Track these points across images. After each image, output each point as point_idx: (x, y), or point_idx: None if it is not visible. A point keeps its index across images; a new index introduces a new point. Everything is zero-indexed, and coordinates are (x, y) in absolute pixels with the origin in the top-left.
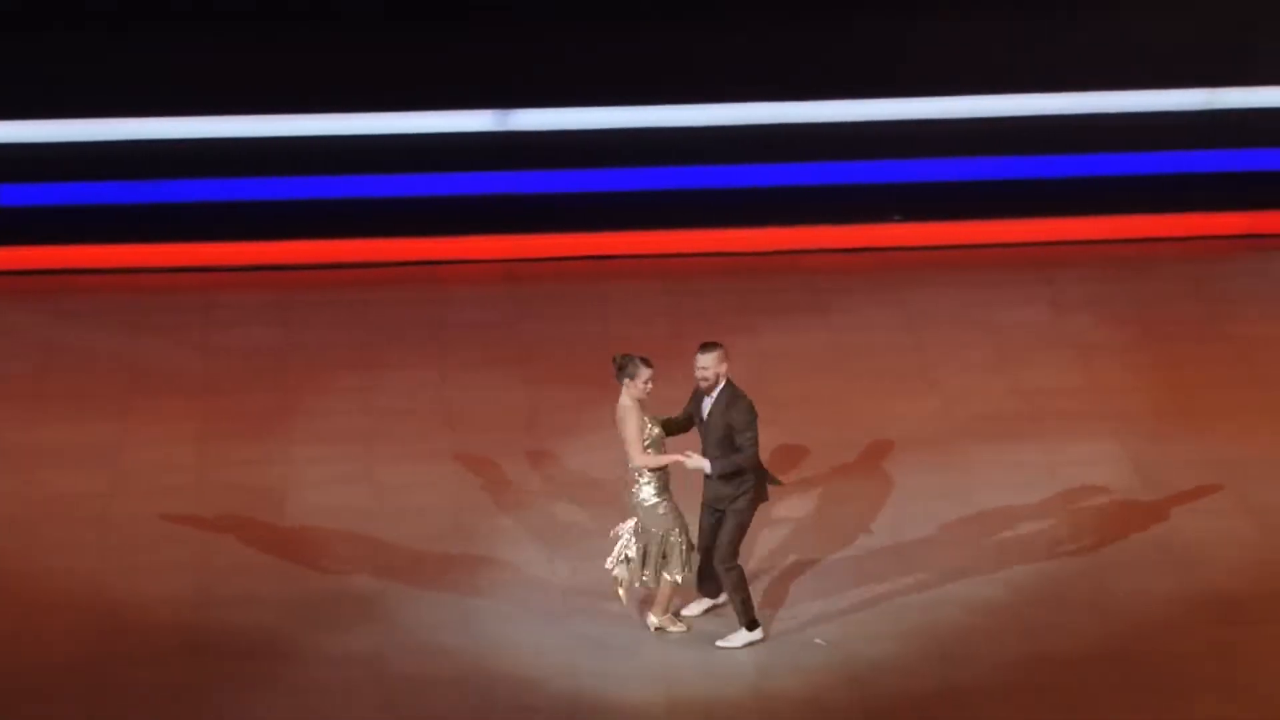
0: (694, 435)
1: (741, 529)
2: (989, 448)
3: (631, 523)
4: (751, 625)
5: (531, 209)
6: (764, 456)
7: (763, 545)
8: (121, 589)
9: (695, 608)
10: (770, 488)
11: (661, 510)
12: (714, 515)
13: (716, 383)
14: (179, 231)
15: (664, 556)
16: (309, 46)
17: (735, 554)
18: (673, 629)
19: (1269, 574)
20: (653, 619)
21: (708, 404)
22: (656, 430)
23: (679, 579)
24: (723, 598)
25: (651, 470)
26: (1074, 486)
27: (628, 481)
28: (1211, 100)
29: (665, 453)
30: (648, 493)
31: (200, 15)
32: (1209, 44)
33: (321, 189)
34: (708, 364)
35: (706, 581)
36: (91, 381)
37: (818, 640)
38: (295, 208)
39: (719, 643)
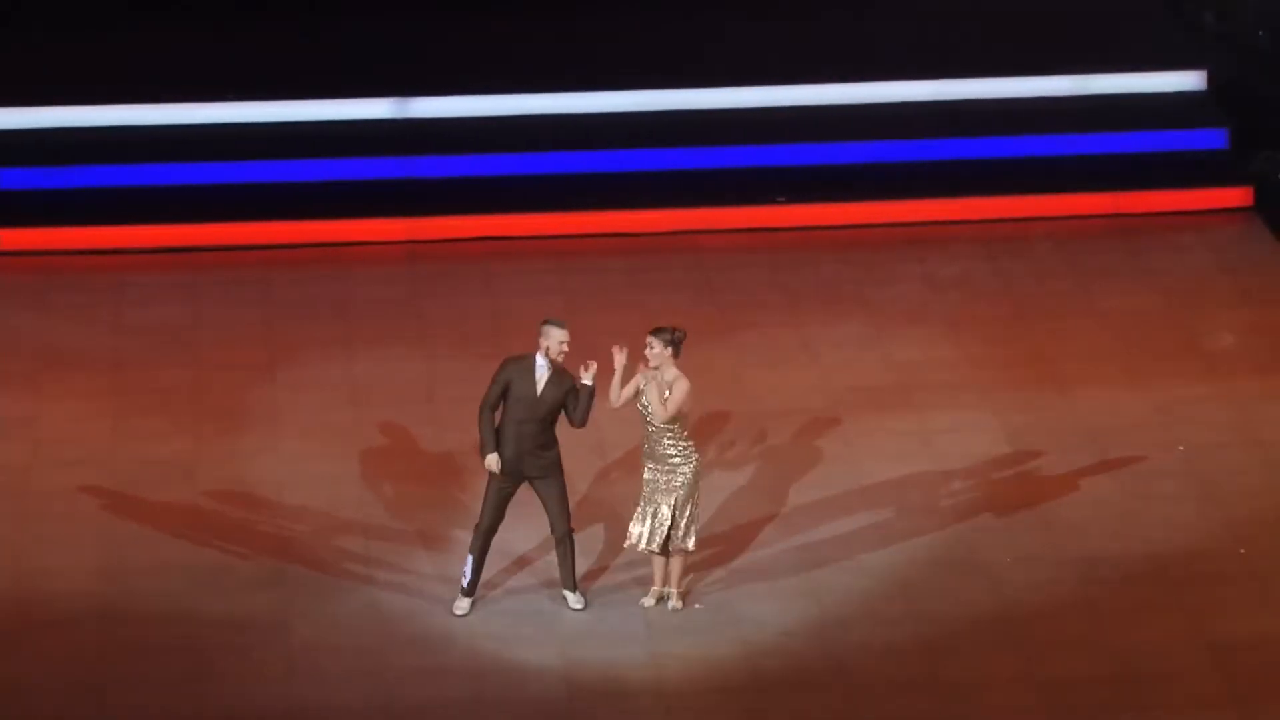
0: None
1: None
2: (866, 417)
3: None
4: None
5: (430, 192)
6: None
7: None
8: (35, 558)
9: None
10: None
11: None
12: (513, 489)
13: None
14: (90, 215)
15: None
16: (216, 34)
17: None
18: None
19: (1130, 536)
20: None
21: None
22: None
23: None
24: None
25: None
26: (947, 453)
27: (682, 450)
28: (1079, 86)
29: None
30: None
31: (101, 3)
32: (1077, 32)
33: (229, 174)
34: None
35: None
36: (5, 359)
37: (690, 605)
38: (204, 192)
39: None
